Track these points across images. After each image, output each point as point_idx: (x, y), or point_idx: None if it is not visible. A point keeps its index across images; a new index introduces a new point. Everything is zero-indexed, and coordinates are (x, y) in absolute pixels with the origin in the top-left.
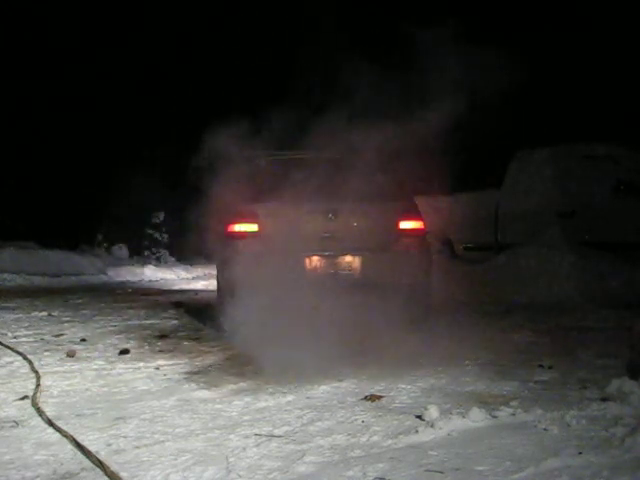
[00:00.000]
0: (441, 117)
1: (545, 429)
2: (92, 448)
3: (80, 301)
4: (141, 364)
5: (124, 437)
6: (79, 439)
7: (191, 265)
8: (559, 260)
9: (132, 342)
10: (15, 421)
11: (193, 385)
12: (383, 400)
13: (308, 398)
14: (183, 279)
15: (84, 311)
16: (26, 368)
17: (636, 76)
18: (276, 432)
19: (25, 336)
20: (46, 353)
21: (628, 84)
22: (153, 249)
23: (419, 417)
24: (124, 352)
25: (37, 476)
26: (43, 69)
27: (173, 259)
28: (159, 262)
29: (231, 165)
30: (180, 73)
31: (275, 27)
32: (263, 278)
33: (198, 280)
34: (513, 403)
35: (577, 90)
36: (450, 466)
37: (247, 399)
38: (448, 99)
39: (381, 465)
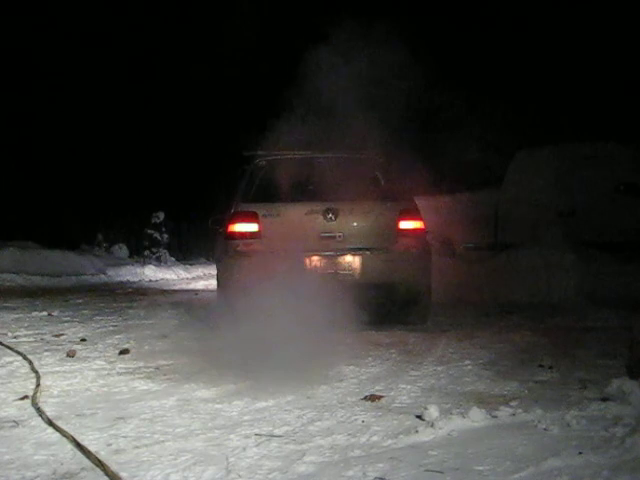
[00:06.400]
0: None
1: (545, 429)
2: (92, 448)
3: (80, 301)
4: (141, 364)
5: (124, 437)
6: (79, 439)
7: (191, 265)
8: (559, 260)
9: (132, 342)
10: (15, 421)
11: (193, 385)
12: (383, 400)
13: (308, 398)
14: (183, 279)
15: (84, 311)
16: (26, 368)
17: (636, 75)
18: (276, 432)
19: (25, 336)
20: (46, 353)
21: (628, 83)
22: (153, 249)
23: (419, 417)
24: (124, 352)
25: (37, 476)
26: (43, 69)
27: (173, 259)
28: (159, 262)
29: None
30: (179, 73)
31: None
32: (263, 278)
33: (198, 280)
34: (513, 403)
35: (577, 90)
36: (450, 466)
37: (247, 399)
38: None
39: (381, 465)
